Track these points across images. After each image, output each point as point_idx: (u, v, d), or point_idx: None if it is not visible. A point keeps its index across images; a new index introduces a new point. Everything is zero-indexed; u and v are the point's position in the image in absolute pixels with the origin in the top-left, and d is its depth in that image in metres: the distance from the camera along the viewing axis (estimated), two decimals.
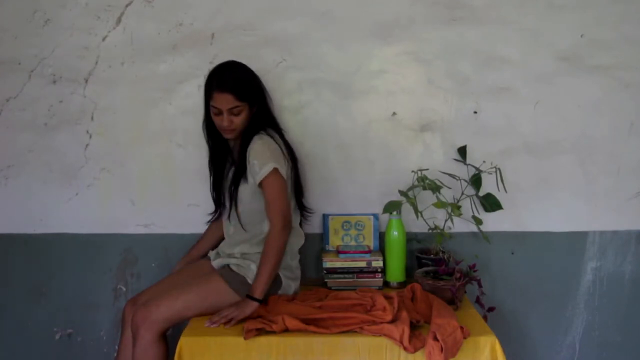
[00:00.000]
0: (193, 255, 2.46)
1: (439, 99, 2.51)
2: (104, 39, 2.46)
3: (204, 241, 2.48)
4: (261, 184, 2.18)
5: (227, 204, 2.29)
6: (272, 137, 2.25)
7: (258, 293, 2.12)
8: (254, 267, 2.23)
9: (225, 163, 2.35)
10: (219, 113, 2.19)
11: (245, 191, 2.24)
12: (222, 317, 2.07)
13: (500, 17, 2.47)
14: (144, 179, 2.53)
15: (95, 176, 2.53)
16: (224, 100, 2.16)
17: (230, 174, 2.29)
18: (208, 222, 2.45)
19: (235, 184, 2.24)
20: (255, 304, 2.11)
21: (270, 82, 2.36)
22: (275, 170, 2.17)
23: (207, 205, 2.44)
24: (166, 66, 2.47)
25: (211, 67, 2.40)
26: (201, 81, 2.46)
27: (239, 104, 2.17)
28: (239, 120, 2.20)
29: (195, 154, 2.50)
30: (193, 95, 2.48)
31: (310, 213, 2.45)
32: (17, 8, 2.44)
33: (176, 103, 2.50)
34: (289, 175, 2.28)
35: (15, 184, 2.53)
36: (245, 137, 2.23)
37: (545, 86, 2.50)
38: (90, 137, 2.52)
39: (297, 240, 2.34)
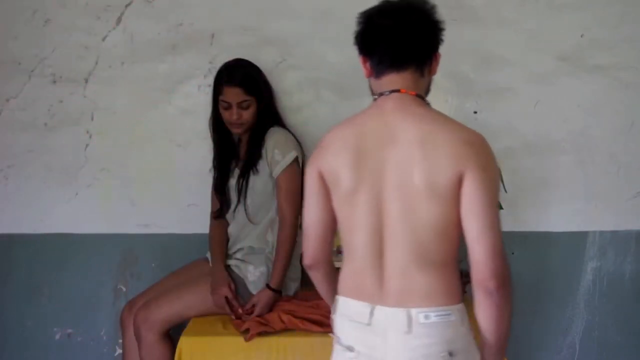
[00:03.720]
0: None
1: (439, 99, 2.50)
2: (104, 39, 2.46)
3: (222, 245, 2.39)
4: (281, 173, 2.23)
5: (235, 198, 2.30)
6: (287, 130, 2.33)
7: (279, 285, 2.20)
8: (252, 269, 2.25)
9: (231, 161, 2.36)
10: (228, 107, 2.22)
11: (256, 183, 2.26)
12: (256, 314, 2.14)
13: (500, 17, 2.47)
14: (144, 179, 2.53)
15: (95, 176, 2.53)
16: (234, 94, 2.20)
17: (238, 170, 2.31)
18: (215, 217, 2.41)
19: (245, 177, 2.25)
20: (277, 296, 2.19)
21: (270, 82, 2.36)
22: (296, 159, 2.25)
23: (207, 205, 2.44)
24: (166, 66, 2.47)
25: (211, 67, 2.42)
26: (201, 81, 2.47)
27: (247, 97, 2.21)
28: (247, 115, 2.23)
29: (195, 154, 2.50)
30: (193, 96, 2.48)
31: None
32: (17, 8, 2.44)
33: (176, 103, 2.50)
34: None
35: (15, 184, 2.53)
36: (255, 132, 2.28)
37: (545, 86, 2.50)
38: (90, 137, 2.52)
39: (298, 241, 2.35)
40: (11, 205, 2.54)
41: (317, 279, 1.62)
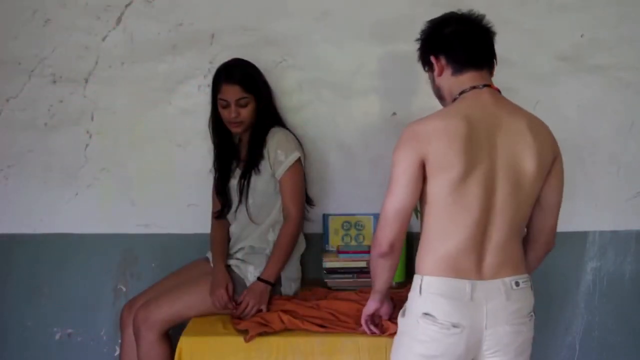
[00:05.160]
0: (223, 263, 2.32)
1: None
2: (104, 39, 2.46)
3: (223, 246, 2.38)
4: (284, 174, 2.22)
5: (236, 199, 2.30)
6: (288, 130, 2.34)
7: (271, 277, 2.18)
8: (252, 269, 2.25)
9: (231, 162, 2.36)
10: (227, 105, 2.22)
11: (258, 183, 2.26)
12: (249, 311, 2.11)
13: (500, 17, 2.45)
14: (144, 179, 2.53)
15: (95, 176, 2.53)
16: (232, 92, 2.20)
17: (239, 170, 2.31)
18: (216, 217, 2.41)
19: (247, 177, 2.25)
20: (269, 288, 2.17)
21: (270, 82, 2.36)
22: (299, 159, 2.25)
23: (207, 205, 2.44)
24: (166, 66, 2.47)
25: (211, 67, 2.42)
26: (201, 81, 2.47)
27: (246, 95, 2.21)
28: (246, 113, 2.23)
29: (195, 154, 2.50)
30: (193, 95, 2.48)
31: (312, 206, 2.45)
32: (17, 8, 2.44)
33: (176, 103, 2.50)
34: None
35: (15, 184, 2.53)
36: (256, 131, 2.28)
37: (545, 86, 2.50)
38: (90, 137, 2.52)
39: (299, 241, 2.35)
40: (11, 205, 2.54)
41: (385, 267, 1.70)
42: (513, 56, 2.47)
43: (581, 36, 2.48)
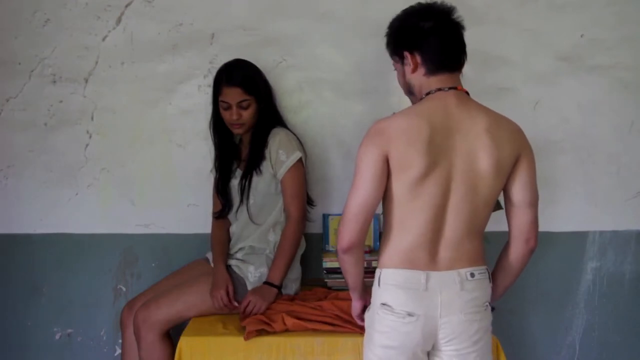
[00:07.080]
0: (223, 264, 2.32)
1: None
2: (104, 39, 2.46)
3: (223, 246, 2.38)
4: (285, 174, 2.22)
5: (237, 199, 2.30)
6: (289, 130, 2.34)
7: (276, 280, 2.19)
8: (252, 270, 2.24)
9: (232, 162, 2.36)
10: (228, 107, 2.22)
11: (259, 184, 2.26)
12: (251, 309, 2.11)
13: (500, 17, 2.47)
14: (144, 179, 2.53)
15: (95, 176, 2.53)
16: (233, 94, 2.20)
17: (240, 170, 2.32)
18: (216, 217, 2.42)
19: (248, 177, 2.26)
20: (274, 291, 2.17)
21: (270, 82, 2.36)
22: (301, 159, 2.25)
23: (207, 205, 2.44)
24: (166, 66, 2.47)
25: (211, 67, 2.42)
26: (201, 81, 2.47)
27: (247, 97, 2.21)
28: (247, 115, 2.23)
29: (195, 154, 2.50)
30: (193, 95, 2.48)
31: (312, 206, 2.45)
32: (17, 8, 2.44)
33: (176, 103, 2.50)
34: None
35: (15, 184, 2.53)
36: (257, 131, 2.28)
37: (545, 86, 2.50)
38: (90, 137, 2.52)
39: (301, 243, 2.35)
40: (11, 205, 2.54)
41: (350, 263, 1.73)
42: (513, 56, 2.48)
43: (581, 36, 2.48)
